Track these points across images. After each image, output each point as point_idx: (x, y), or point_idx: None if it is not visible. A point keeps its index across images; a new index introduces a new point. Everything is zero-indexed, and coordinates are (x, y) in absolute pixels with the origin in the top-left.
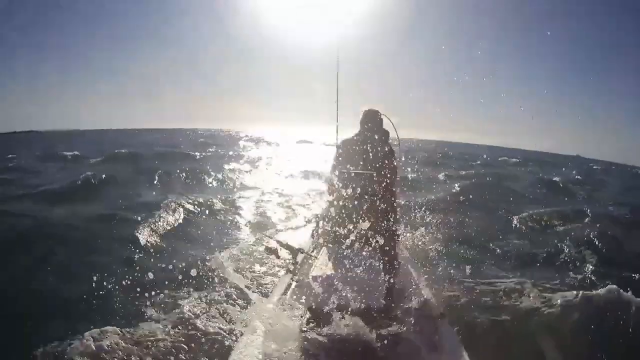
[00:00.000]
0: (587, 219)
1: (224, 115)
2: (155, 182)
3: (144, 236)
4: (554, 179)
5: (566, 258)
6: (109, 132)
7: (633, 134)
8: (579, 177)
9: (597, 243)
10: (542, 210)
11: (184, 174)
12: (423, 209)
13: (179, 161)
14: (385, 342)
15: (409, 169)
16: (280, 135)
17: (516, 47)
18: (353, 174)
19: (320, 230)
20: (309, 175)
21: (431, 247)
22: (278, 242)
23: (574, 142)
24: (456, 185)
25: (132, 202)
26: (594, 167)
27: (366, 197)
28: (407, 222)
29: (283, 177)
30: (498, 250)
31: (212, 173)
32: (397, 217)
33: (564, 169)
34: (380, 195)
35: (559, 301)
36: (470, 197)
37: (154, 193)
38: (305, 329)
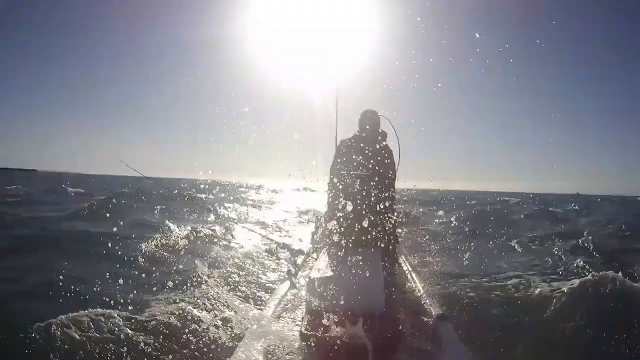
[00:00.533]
0: (583, 236)
1: (221, 167)
2: (160, 210)
3: (149, 247)
4: (552, 209)
5: (563, 264)
6: (107, 177)
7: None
8: (576, 207)
9: (594, 253)
10: (541, 233)
11: (187, 208)
12: (425, 237)
13: (184, 200)
14: (386, 344)
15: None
16: (279, 185)
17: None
18: (352, 175)
19: (320, 232)
20: (308, 211)
21: (430, 258)
22: (278, 244)
23: (573, 181)
24: (453, 218)
25: (137, 223)
26: (595, 199)
27: (365, 197)
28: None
29: (283, 211)
30: (496, 260)
31: (218, 208)
32: (396, 217)
33: (563, 204)
34: (379, 196)
35: (560, 299)
36: (468, 223)
37: (157, 217)
38: (306, 331)
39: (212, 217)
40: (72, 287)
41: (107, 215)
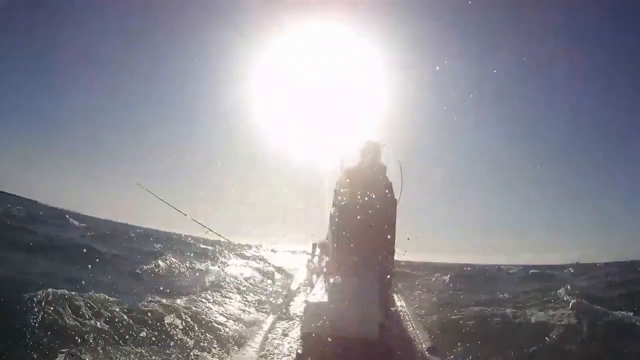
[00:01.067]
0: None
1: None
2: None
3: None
4: (547, 271)
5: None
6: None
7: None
8: (572, 270)
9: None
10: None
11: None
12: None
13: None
14: None
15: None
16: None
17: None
18: (352, 203)
19: (316, 258)
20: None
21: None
22: (275, 267)
23: (573, 252)
24: (447, 277)
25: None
26: (595, 265)
27: (365, 229)
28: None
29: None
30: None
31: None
32: (393, 252)
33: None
34: (378, 226)
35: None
36: (458, 284)
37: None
38: (301, 353)
39: None
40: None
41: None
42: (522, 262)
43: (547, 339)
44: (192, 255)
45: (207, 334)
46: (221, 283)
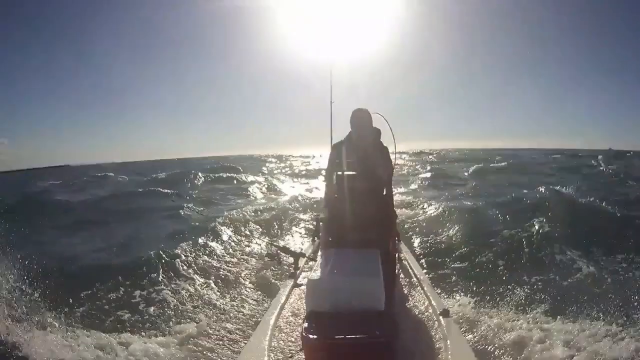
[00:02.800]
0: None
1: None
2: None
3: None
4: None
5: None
6: (140, 163)
7: None
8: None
9: None
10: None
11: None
12: None
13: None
14: (386, 342)
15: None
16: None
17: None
18: (348, 174)
19: (320, 233)
20: None
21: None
22: (279, 247)
23: (606, 137)
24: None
25: None
26: (626, 154)
27: (363, 196)
28: None
29: None
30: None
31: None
32: (396, 215)
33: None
34: (377, 194)
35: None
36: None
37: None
38: (306, 333)
39: None
40: None
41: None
42: (551, 145)
43: None
44: None
45: None
46: None
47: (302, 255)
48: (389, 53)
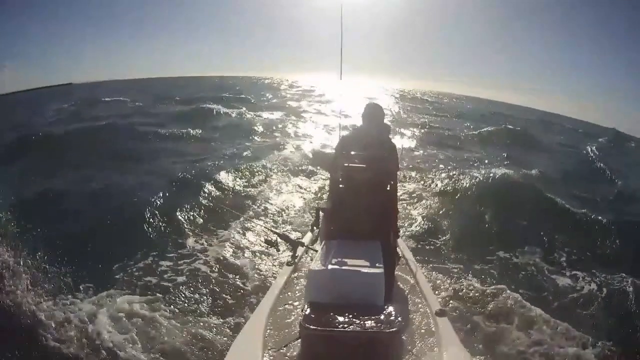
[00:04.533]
0: None
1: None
2: None
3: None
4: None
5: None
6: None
7: None
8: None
9: None
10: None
11: None
12: None
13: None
14: (385, 337)
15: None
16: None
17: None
18: (354, 165)
19: (320, 223)
20: None
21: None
22: (278, 234)
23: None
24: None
25: None
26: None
27: (367, 189)
28: None
29: None
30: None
31: None
32: (397, 211)
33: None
34: (382, 187)
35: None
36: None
37: None
38: (305, 323)
39: None
40: None
41: None
42: (551, 107)
43: None
44: None
45: None
46: None
47: (301, 244)
48: None
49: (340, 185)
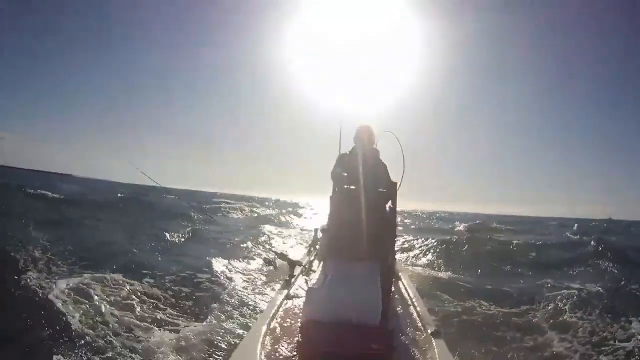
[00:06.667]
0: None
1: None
2: None
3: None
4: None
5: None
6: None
7: None
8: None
9: None
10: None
11: None
12: None
13: None
14: (381, 357)
15: None
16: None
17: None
18: (353, 187)
19: (318, 244)
20: None
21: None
22: (276, 253)
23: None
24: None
25: None
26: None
27: (365, 210)
28: None
29: None
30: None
31: None
32: (395, 233)
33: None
34: (380, 209)
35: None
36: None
37: None
38: (302, 341)
39: None
40: None
41: None
42: (545, 213)
43: None
44: None
45: None
46: None
47: (299, 263)
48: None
49: (339, 207)
